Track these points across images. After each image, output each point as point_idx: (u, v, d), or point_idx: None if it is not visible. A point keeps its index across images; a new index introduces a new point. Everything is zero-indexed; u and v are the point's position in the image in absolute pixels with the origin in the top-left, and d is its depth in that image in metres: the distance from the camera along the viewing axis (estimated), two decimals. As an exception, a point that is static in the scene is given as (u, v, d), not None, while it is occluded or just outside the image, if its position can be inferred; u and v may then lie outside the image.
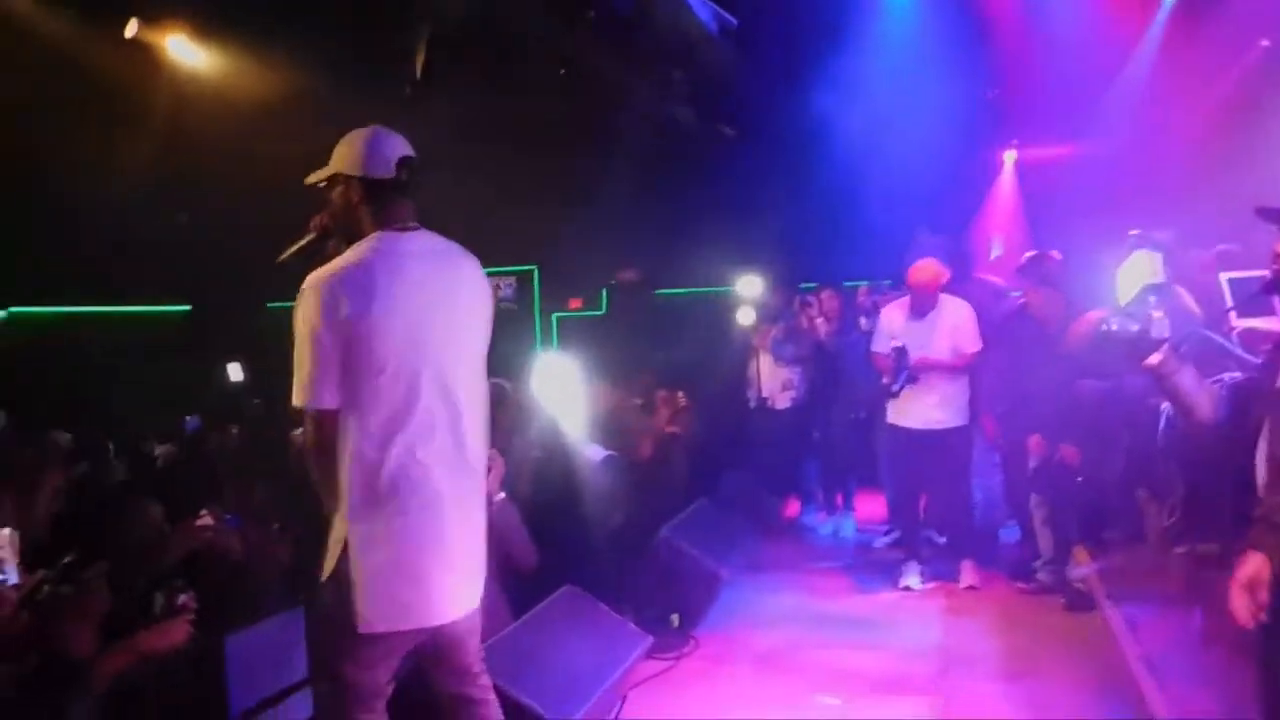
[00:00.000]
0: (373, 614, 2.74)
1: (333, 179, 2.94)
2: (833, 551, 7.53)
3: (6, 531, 3.07)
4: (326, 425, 2.76)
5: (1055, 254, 6.55)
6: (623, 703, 4.58)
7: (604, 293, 13.19)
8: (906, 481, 6.58)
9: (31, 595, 2.50)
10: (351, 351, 2.71)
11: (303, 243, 3.06)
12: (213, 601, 4.19)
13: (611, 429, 6.99)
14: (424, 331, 2.82)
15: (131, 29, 6.96)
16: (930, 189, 8.59)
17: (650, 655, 4.92)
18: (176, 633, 2.90)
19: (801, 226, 8.92)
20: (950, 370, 6.23)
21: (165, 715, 3.54)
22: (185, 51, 7.32)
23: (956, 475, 6.37)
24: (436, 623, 2.84)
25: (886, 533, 7.50)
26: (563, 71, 7.74)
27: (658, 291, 12.23)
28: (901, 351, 6.23)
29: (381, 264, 2.78)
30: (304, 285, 2.77)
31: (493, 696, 3.16)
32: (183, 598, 3.43)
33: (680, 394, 7.86)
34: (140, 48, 7.15)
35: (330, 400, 2.73)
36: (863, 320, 7.68)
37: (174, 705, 3.62)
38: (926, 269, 6.33)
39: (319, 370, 2.71)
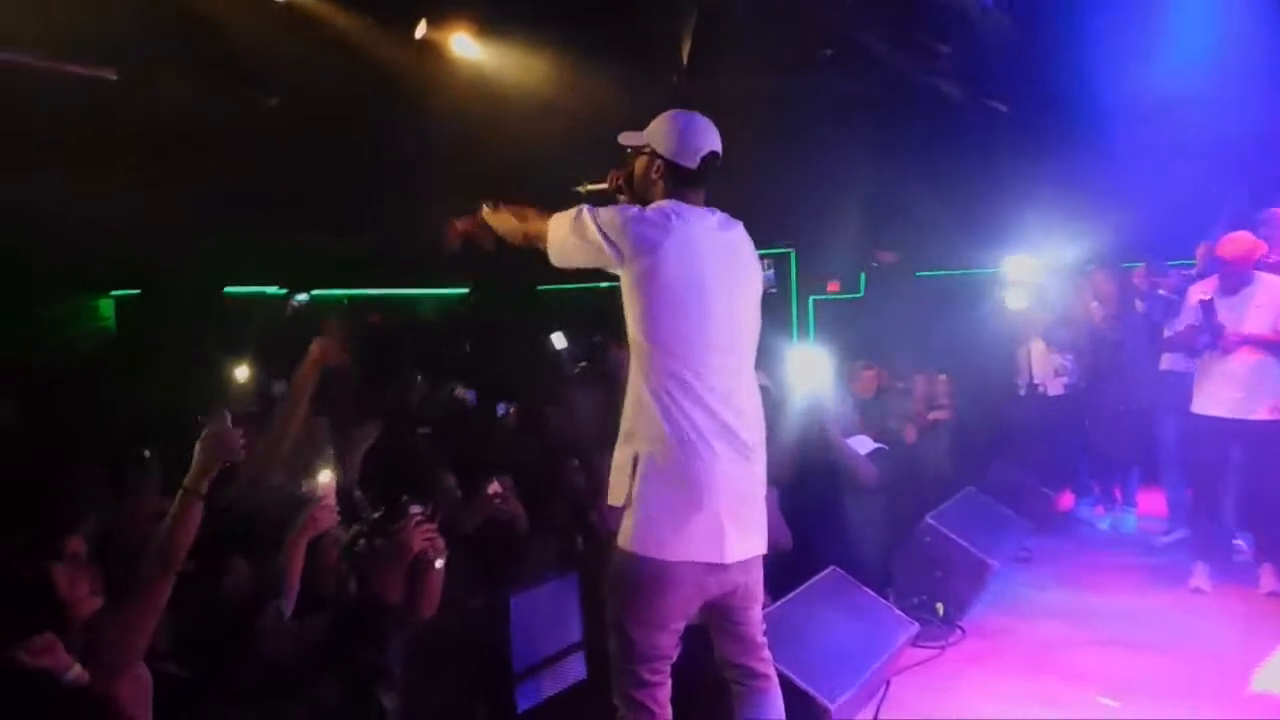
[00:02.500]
0: (648, 538, 2.90)
1: (640, 147, 3.13)
2: (1110, 547, 7.13)
3: (329, 480, 3.40)
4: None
5: None
6: (887, 688, 4.54)
7: (862, 275, 12.97)
8: (1207, 475, 6.09)
9: (350, 546, 2.76)
10: (651, 292, 2.91)
11: (596, 186, 3.27)
12: (500, 566, 4.51)
13: (873, 414, 6.92)
14: (714, 296, 2.97)
15: (420, 30, 7.45)
16: (1237, 160, 7.86)
17: (915, 643, 4.85)
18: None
19: (1076, 205, 8.42)
20: (1268, 345, 5.72)
21: (459, 663, 3.84)
22: (467, 48, 7.76)
23: (1269, 470, 5.81)
24: (707, 559, 2.93)
25: (1168, 530, 7.02)
26: (828, 52, 7.64)
27: (918, 274, 11.89)
28: (1209, 307, 5.77)
29: (683, 218, 2.97)
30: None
31: (773, 671, 3.24)
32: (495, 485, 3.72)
33: (943, 378, 7.65)
34: (428, 46, 7.64)
35: (583, 232, 2.96)
36: (1139, 303, 7.20)
37: (466, 655, 3.92)
38: (1241, 241, 5.84)
39: (588, 221, 2.95)
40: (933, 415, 7.28)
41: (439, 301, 15.95)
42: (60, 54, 6.81)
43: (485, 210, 3.26)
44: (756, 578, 3.13)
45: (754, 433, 3.07)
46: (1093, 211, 8.08)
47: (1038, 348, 7.83)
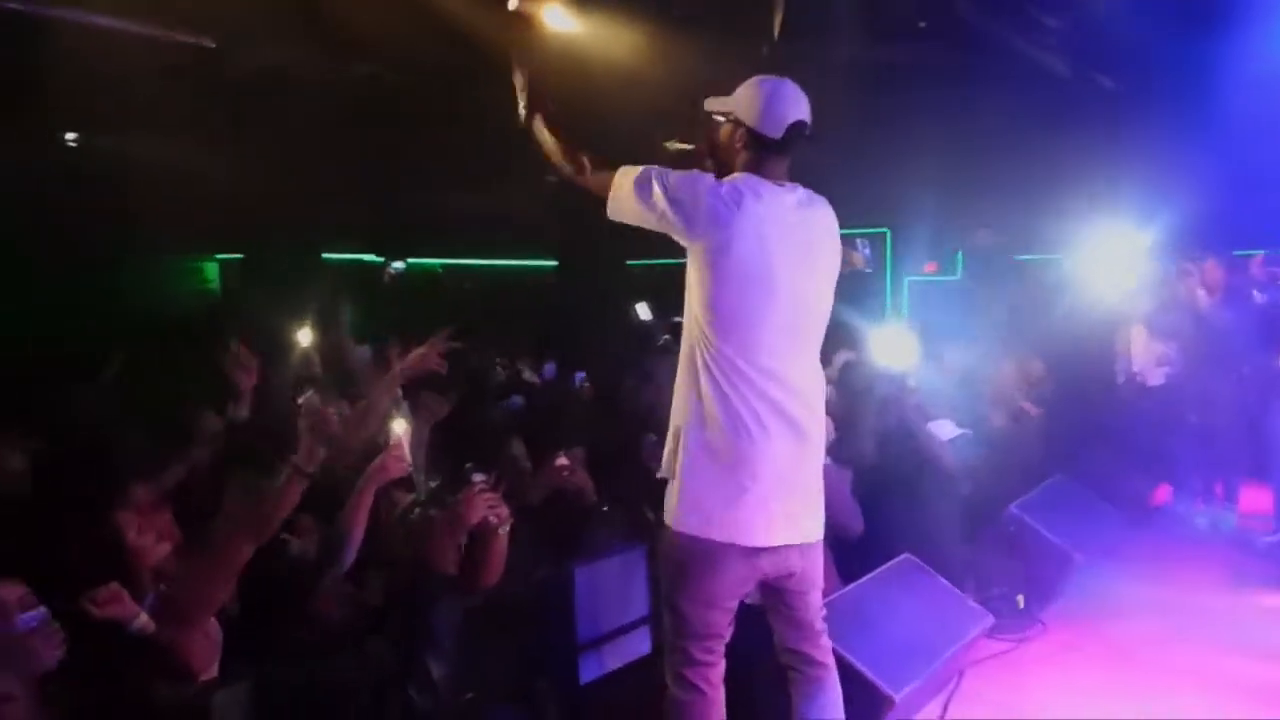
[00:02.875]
0: (690, 516, 2.86)
1: (726, 114, 3.05)
2: (1207, 545, 6.82)
3: (403, 430, 3.42)
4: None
5: None
6: (959, 680, 4.42)
7: (959, 256, 12.66)
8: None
9: (405, 514, 2.78)
10: (715, 267, 2.85)
11: (685, 147, 3.24)
12: (567, 537, 4.51)
13: (961, 396, 6.73)
14: (781, 275, 2.89)
15: (513, 2, 7.43)
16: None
17: (991, 635, 4.70)
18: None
19: (1185, 187, 8.05)
20: None
21: (522, 633, 3.85)
22: (560, 20, 7.73)
23: None
24: (750, 543, 2.87)
25: (1274, 531, 6.69)
26: (922, 24, 7.41)
27: (1017, 256, 11.54)
28: None
29: (758, 195, 2.88)
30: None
31: (832, 659, 3.16)
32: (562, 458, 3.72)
33: (1038, 363, 7.40)
34: (520, 17, 7.62)
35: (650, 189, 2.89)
36: (1256, 294, 6.85)
37: (529, 626, 3.93)
38: None
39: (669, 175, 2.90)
40: (1022, 400, 7.05)
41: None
42: (162, 21, 6.99)
43: (536, 119, 3.19)
44: (815, 562, 3.05)
45: (810, 414, 2.98)
46: (1203, 194, 7.71)
47: (1138, 335, 7.53)
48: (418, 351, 4.16)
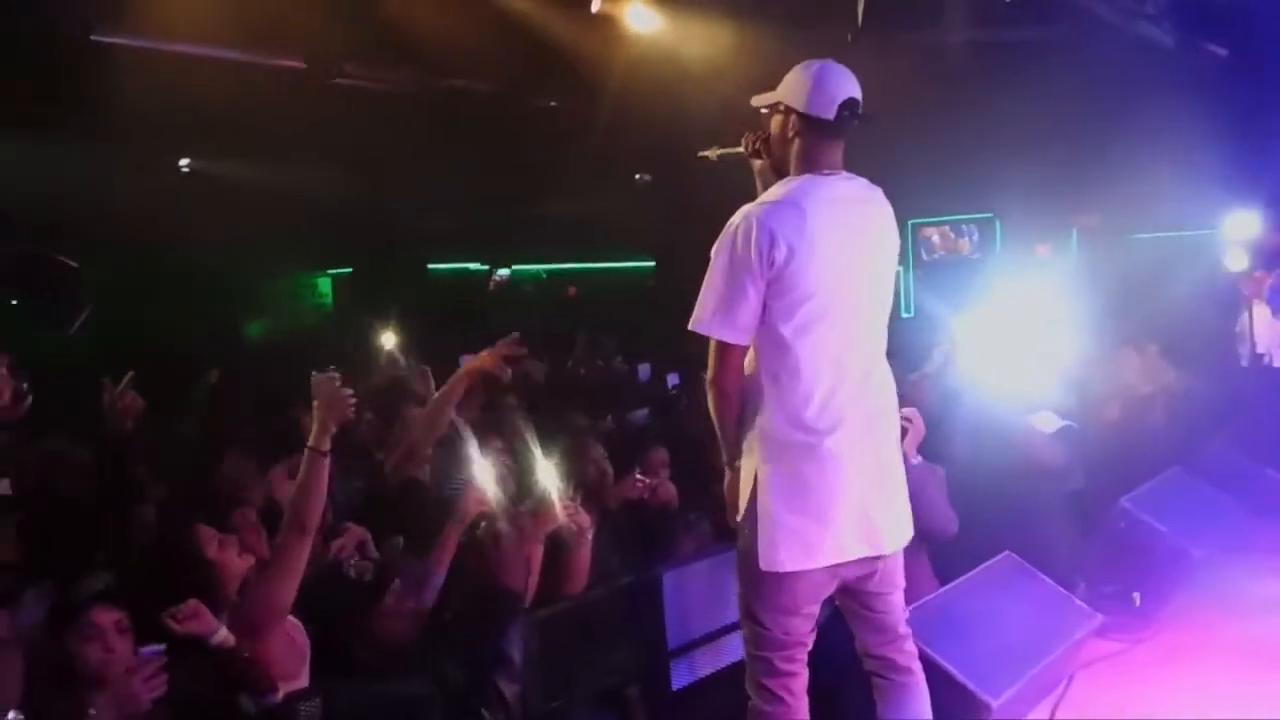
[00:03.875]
0: (776, 553, 2.76)
1: (774, 105, 2.96)
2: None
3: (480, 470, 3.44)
4: (731, 359, 2.80)
5: None
6: (1069, 683, 4.23)
7: (1072, 237, 12.25)
8: None
9: (473, 528, 2.79)
10: (775, 291, 2.74)
11: (730, 151, 3.16)
12: (654, 542, 4.48)
13: (1073, 386, 6.47)
14: (841, 277, 2.80)
15: (596, 4, 7.47)
16: None
17: (1103, 635, 4.50)
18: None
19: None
20: None
21: (608, 640, 3.83)
22: (642, 19, 7.73)
23: None
24: (836, 560, 2.79)
25: None
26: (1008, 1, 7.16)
27: (1130, 235, 11.08)
28: None
29: (811, 206, 2.78)
30: (736, 216, 2.83)
31: (918, 665, 3.07)
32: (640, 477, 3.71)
33: (1154, 348, 7.08)
34: (603, 19, 7.66)
35: (735, 335, 2.75)
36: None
37: (616, 632, 3.91)
38: None
39: (733, 299, 2.74)
40: (1141, 388, 6.76)
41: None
42: (254, 46, 7.24)
43: None
44: (896, 563, 2.96)
45: (881, 415, 2.89)
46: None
47: (1261, 314, 7.12)
48: (483, 354, 4.20)
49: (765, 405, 2.79)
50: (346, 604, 2.60)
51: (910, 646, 3.03)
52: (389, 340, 6.78)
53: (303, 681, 2.96)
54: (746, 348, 2.81)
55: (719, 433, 2.92)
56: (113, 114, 7.37)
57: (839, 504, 2.77)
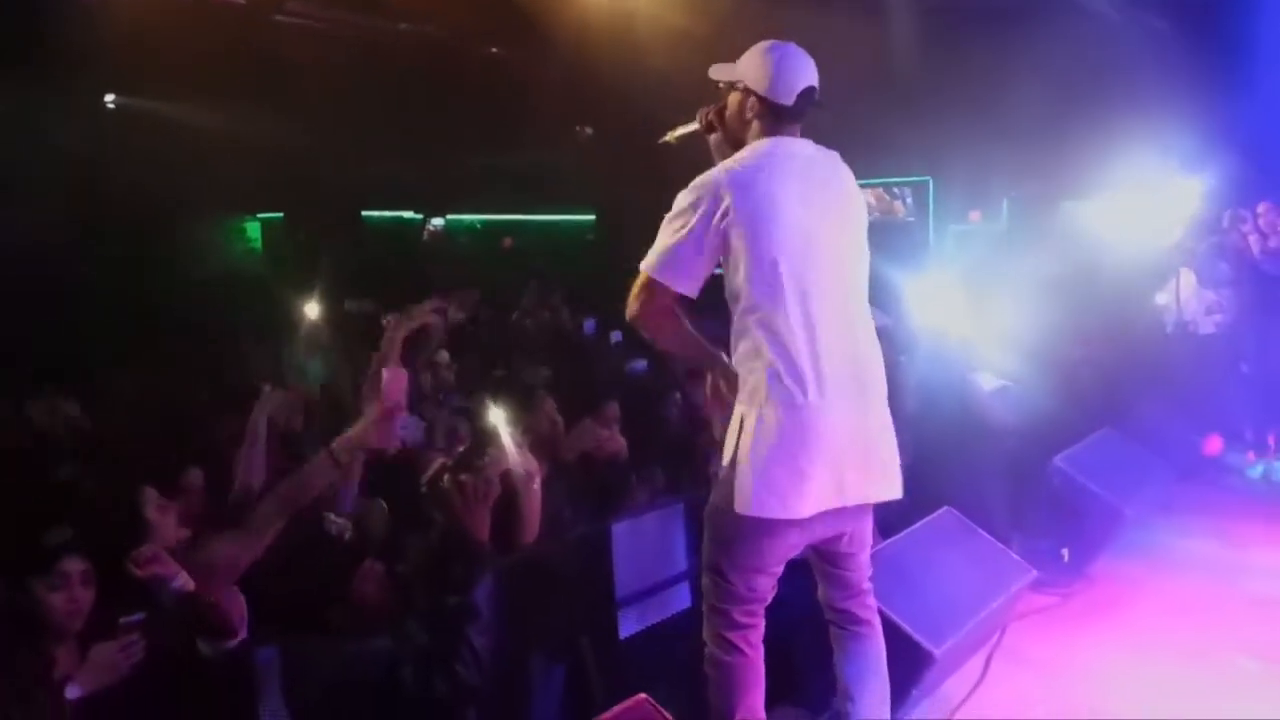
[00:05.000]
0: (757, 499, 2.77)
1: (733, 83, 2.99)
2: (1259, 498, 6.68)
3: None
4: (658, 298, 2.84)
5: None
6: (1001, 635, 4.37)
7: (1004, 205, 12.44)
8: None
9: (433, 480, 2.77)
10: (740, 248, 2.78)
11: (686, 130, 3.17)
12: (605, 495, 4.50)
13: (1009, 348, 6.62)
14: (811, 233, 2.83)
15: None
16: None
17: (1036, 589, 4.64)
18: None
19: (1237, 130, 7.79)
20: None
21: (561, 591, 3.85)
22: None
23: None
24: (815, 511, 2.82)
25: (1329, 481, 6.56)
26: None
27: (1063, 203, 11.29)
28: None
29: (779, 163, 2.84)
30: (706, 174, 2.87)
31: (877, 618, 3.13)
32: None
33: (1084, 313, 7.25)
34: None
35: (671, 278, 2.81)
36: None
37: (568, 583, 3.93)
38: None
39: (679, 246, 2.80)
40: (1072, 350, 6.93)
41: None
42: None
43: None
44: (867, 524, 3.02)
45: (867, 371, 2.92)
46: (1257, 137, 7.47)
47: (1187, 282, 7.33)
48: (412, 310, 4.17)
49: (756, 355, 2.81)
50: (325, 561, 2.58)
51: (871, 601, 3.10)
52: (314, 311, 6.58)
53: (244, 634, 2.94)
54: (677, 295, 2.83)
55: (680, 353, 2.98)
56: (37, 47, 7.06)
57: (822, 456, 2.79)
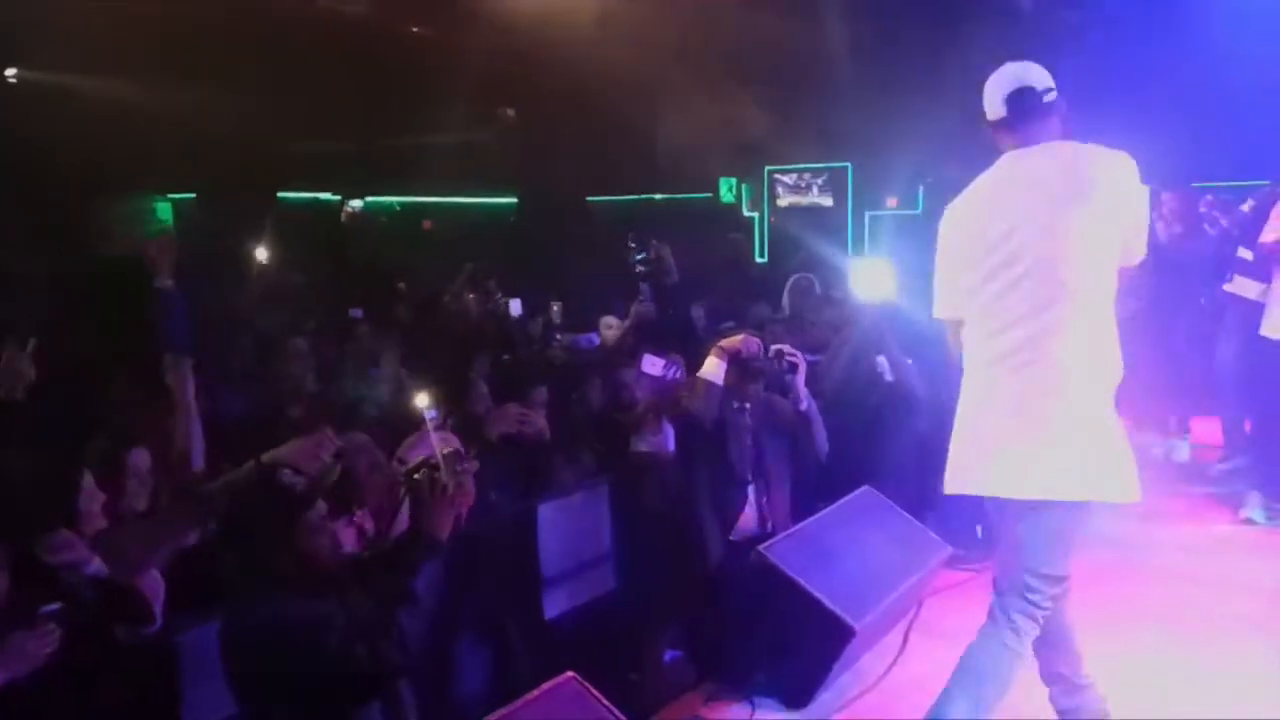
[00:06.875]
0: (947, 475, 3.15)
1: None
2: (1161, 476, 6.93)
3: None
4: (949, 332, 3.21)
5: None
6: (919, 609, 4.49)
7: (920, 190, 12.66)
8: (1271, 403, 5.88)
9: (411, 474, 2.76)
10: (962, 258, 3.08)
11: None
12: (530, 475, 4.51)
13: (923, 334, 6.76)
14: (1016, 234, 2.97)
15: None
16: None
17: (951, 565, 4.78)
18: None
19: (1145, 118, 8.06)
20: None
21: (487, 572, 3.85)
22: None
23: None
24: (978, 492, 3.09)
25: (1224, 459, 6.82)
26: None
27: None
28: None
29: (987, 180, 3.13)
30: None
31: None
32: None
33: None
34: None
35: (940, 310, 3.20)
36: (1208, 228, 6.90)
37: (494, 564, 3.94)
38: None
39: (939, 283, 3.20)
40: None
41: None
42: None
43: None
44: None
45: (1053, 362, 2.96)
46: (1163, 125, 7.72)
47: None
48: None
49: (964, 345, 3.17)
50: (273, 509, 2.55)
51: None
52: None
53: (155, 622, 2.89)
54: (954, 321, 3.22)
55: None
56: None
57: (984, 441, 3.07)
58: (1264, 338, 5.77)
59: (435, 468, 2.71)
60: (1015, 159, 3.08)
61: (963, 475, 3.13)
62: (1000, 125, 3.13)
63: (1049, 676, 3.25)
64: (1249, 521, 5.72)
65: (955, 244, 3.12)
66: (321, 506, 2.61)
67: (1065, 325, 2.95)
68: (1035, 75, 3.13)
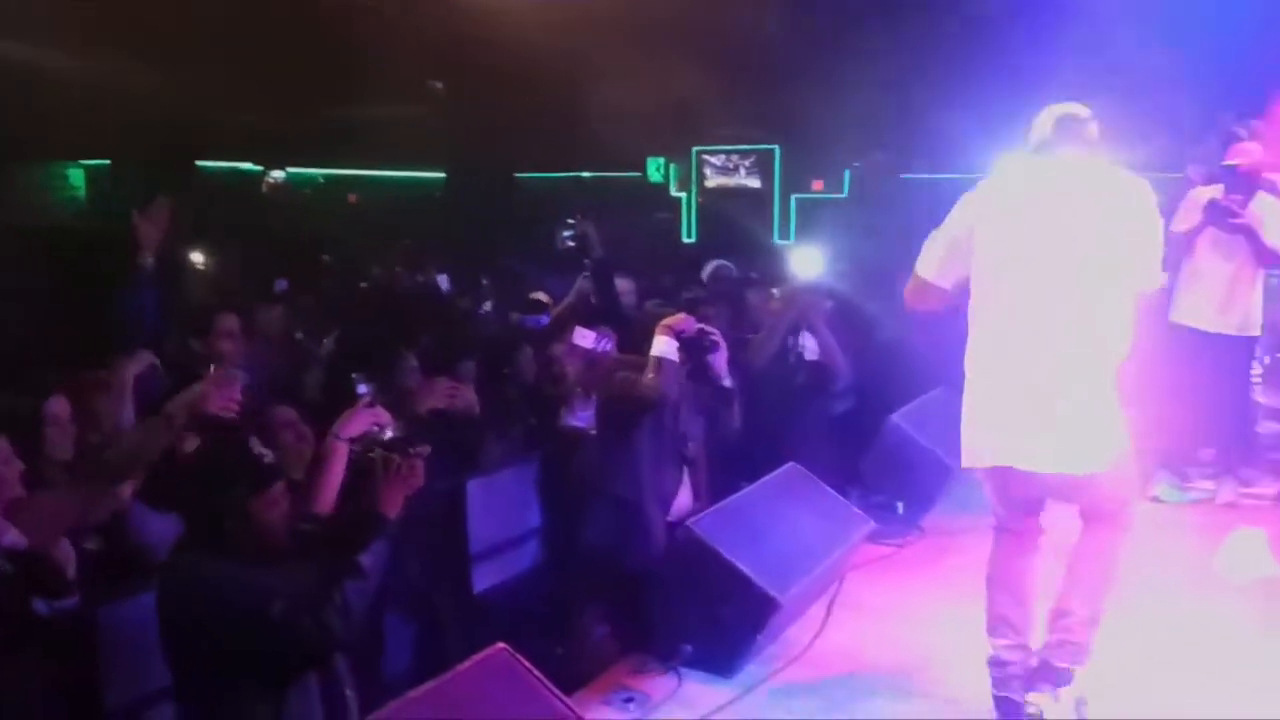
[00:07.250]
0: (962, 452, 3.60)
1: None
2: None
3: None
4: (913, 283, 3.65)
5: None
6: (841, 584, 4.58)
7: (846, 175, 12.80)
8: (1180, 388, 6.10)
9: (364, 453, 2.74)
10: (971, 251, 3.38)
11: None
12: (460, 450, 4.50)
13: (851, 314, 6.87)
14: (1020, 240, 3.27)
15: None
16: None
17: (873, 540, 4.88)
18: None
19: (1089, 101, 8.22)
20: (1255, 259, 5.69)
21: (416, 546, 3.84)
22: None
23: (1238, 385, 5.97)
24: (998, 463, 3.47)
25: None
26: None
27: (905, 175, 11.68)
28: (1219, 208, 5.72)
29: (999, 181, 3.44)
30: None
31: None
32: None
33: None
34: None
35: (924, 269, 3.58)
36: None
37: (424, 538, 3.92)
38: (1251, 152, 5.76)
39: (934, 249, 3.55)
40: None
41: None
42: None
43: None
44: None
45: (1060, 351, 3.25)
46: (1105, 109, 7.89)
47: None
48: None
49: (970, 331, 3.58)
50: (235, 476, 2.51)
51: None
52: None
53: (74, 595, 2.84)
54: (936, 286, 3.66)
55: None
56: None
57: (998, 417, 3.49)
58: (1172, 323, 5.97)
59: (389, 447, 2.71)
60: (1043, 165, 3.38)
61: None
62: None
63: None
64: (1156, 499, 5.92)
65: (980, 235, 3.35)
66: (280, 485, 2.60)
67: (1072, 325, 3.26)
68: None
